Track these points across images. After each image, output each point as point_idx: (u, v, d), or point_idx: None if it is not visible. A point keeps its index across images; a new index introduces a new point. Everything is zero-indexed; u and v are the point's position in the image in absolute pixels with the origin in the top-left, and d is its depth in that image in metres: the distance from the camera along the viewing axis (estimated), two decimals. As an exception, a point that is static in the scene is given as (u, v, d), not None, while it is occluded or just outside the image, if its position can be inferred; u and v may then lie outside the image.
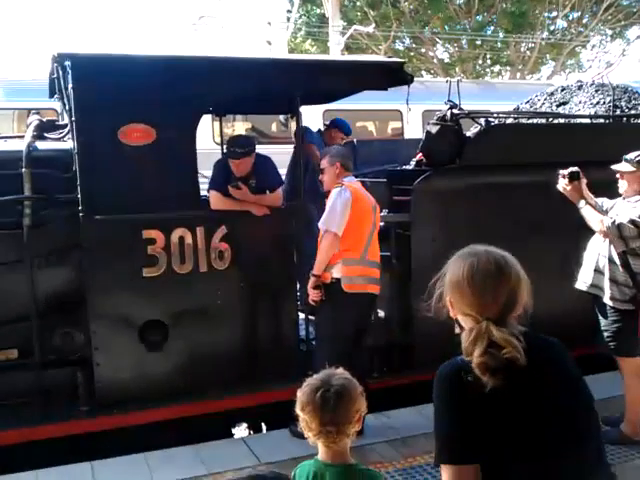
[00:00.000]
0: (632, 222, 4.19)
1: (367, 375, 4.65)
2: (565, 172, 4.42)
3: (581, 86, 7.20)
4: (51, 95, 5.44)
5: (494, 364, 1.74)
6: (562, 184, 4.44)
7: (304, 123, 5.89)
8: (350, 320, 4.56)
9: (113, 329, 4.57)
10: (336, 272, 4.51)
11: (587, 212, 4.36)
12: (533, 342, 1.84)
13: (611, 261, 4.35)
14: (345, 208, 4.46)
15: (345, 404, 2.11)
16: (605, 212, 4.42)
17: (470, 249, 1.90)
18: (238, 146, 4.88)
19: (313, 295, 4.56)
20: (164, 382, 4.69)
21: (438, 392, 1.82)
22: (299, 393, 2.17)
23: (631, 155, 4.34)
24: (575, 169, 4.41)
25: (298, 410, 2.14)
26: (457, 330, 1.90)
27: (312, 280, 4.54)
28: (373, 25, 22.32)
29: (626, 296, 4.32)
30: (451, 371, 1.81)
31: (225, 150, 5.25)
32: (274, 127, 12.13)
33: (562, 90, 7.35)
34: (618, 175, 4.44)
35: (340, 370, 2.24)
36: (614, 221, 4.23)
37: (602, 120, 6.36)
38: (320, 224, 4.58)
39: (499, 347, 1.76)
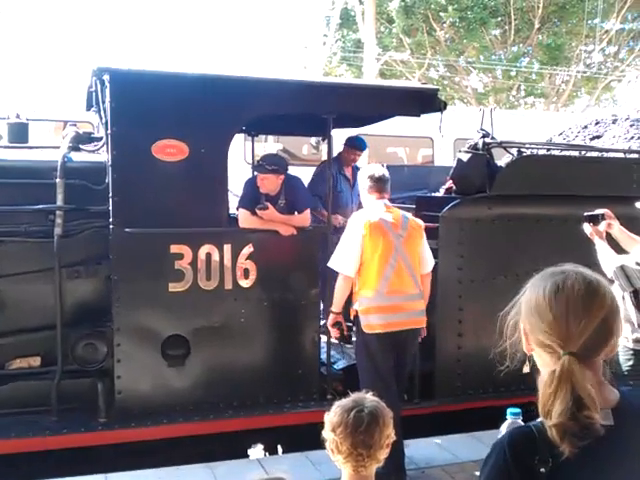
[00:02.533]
0: (638, 263, 4.10)
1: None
2: (587, 214, 4.36)
3: (616, 120, 7.13)
4: (88, 108, 5.53)
5: (576, 428, 1.34)
6: (585, 225, 4.38)
7: (335, 146, 5.89)
8: (378, 357, 4.29)
9: (136, 342, 4.59)
10: (357, 306, 4.34)
11: (600, 254, 4.29)
12: (624, 400, 1.44)
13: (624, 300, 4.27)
14: (353, 246, 4.25)
15: (379, 426, 2.07)
16: None
17: (555, 268, 1.50)
18: (267, 162, 4.97)
19: (332, 333, 4.56)
20: (183, 397, 4.69)
21: (490, 472, 1.42)
22: (329, 415, 2.12)
23: None
24: (597, 213, 4.33)
25: (328, 432, 2.09)
26: (525, 369, 1.51)
27: (331, 317, 4.47)
28: (408, 52, 22.44)
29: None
30: (516, 450, 1.39)
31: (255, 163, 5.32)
32: (305, 149, 12.19)
33: (596, 123, 7.29)
34: None
35: (370, 395, 2.20)
36: (619, 263, 4.15)
37: (637, 155, 6.28)
38: (329, 264, 4.41)
39: (583, 403, 1.35)
